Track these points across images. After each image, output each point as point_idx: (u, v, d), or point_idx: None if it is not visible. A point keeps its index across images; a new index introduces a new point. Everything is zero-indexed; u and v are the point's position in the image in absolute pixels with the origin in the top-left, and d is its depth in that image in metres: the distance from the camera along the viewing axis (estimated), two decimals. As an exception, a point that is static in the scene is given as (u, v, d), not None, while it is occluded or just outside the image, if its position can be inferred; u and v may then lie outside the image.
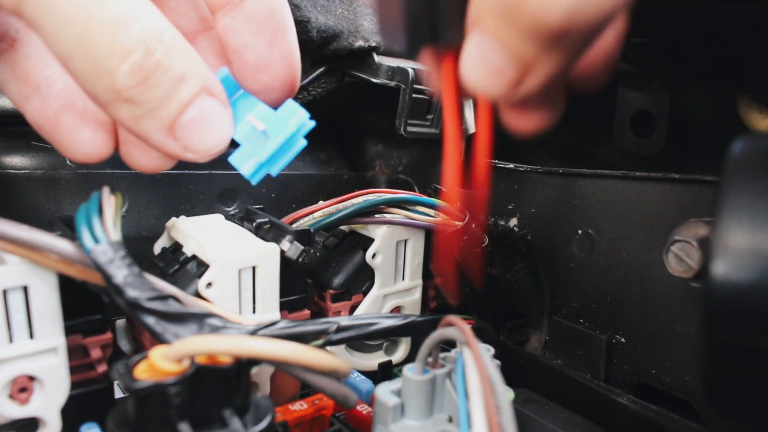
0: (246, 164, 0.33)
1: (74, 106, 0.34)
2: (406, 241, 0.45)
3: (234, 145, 0.34)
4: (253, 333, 0.31)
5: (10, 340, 0.32)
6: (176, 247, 0.40)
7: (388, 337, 0.45)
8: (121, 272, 0.30)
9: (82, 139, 0.34)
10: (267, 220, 0.41)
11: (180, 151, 0.32)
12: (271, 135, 0.33)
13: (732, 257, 0.24)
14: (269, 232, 0.40)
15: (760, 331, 0.24)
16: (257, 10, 0.35)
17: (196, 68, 0.31)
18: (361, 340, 0.45)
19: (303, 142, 0.34)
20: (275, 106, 0.34)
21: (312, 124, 0.34)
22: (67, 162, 0.47)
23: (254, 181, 0.34)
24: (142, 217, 0.49)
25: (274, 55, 0.36)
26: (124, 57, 0.28)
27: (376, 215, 0.44)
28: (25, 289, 0.31)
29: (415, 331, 0.38)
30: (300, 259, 0.39)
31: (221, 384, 0.28)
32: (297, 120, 0.33)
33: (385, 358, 0.47)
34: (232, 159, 0.34)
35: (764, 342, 0.24)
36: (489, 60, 0.28)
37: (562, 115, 0.38)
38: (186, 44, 0.31)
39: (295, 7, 0.50)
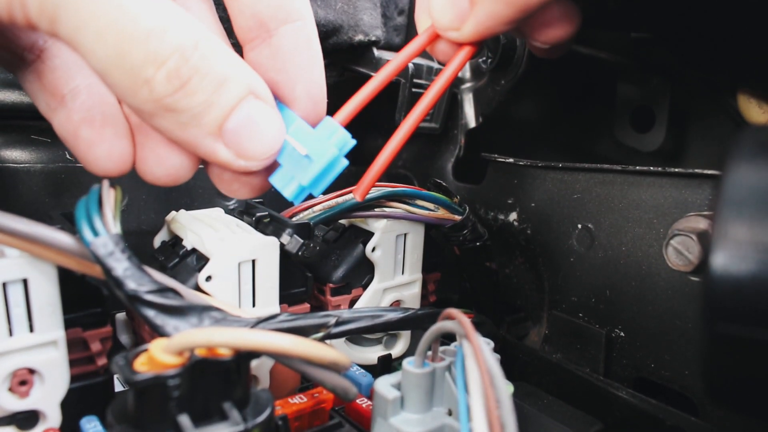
0: (288, 188, 0.33)
1: (92, 120, 0.34)
2: (405, 235, 0.45)
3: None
4: (253, 326, 0.31)
5: (10, 333, 0.32)
6: (176, 241, 0.40)
7: (388, 330, 0.45)
8: (120, 265, 0.30)
9: (99, 155, 0.34)
10: (267, 213, 0.41)
11: (232, 158, 0.31)
12: (314, 159, 0.32)
13: (732, 249, 0.24)
14: (269, 226, 0.40)
15: (759, 324, 0.24)
16: (284, 46, 0.35)
17: (239, 72, 0.31)
18: (360, 334, 0.45)
19: (344, 162, 0.33)
20: None
21: (353, 143, 0.34)
22: (67, 155, 0.47)
23: (297, 202, 0.34)
24: (142, 212, 0.49)
25: (299, 92, 0.35)
26: (159, 65, 0.28)
27: (376, 209, 0.44)
28: (25, 282, 0.31)
29: (415, 325, 0.38)
30: (300, 253, 0.39)
31: (221, 377, 0.28)
32: (338, 141, 0.33)
33: (385, 352, 0.47)
34: (273, 180, 0.33)
35: (764, 334, 0.24)
36: None
37: (563, 111, 0.40)
38: (228, 50, 0.31)
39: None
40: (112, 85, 0.29)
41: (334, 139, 0.33)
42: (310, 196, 0.34)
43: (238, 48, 0.35)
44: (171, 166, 0.34)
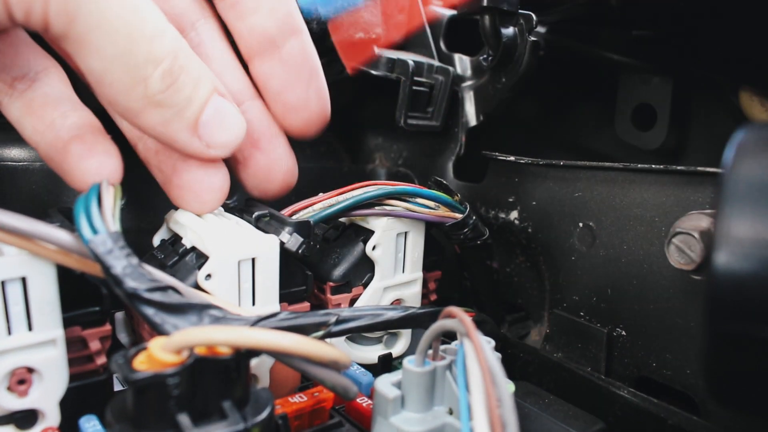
0: None
1: (83, 137, 0.37)
2: (406, 233, 0.45)
3: None
4: (253, 324, 0.31)
5: (9, 331, 0.32)
6: (175, 239, 0.40)
7: (389, 329, 0.45)
8: (120, 263, 0.29)
9: (88, 168, 0.36)
10: (267, 212, 0.41)
11: (203, 149, 0.35)
12: None
13: (734, 247, 0.24)
14: (269, 224, 0.40)
15: (762, 322, 0.24)
16: (294, 56, 0.40)
17: (207, 72, 0.34)
18: (361, 333, 0.45)
19: None
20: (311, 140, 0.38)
21: None
22: None
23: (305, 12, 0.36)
24: (141, 210, 0.49)
25: (311, 94, 0.40)
26: (157, 64, 0.31)
27: (376, 207, 0.44)
28: (24, 280, 0.31)
29: (416, 323, 0.38)
30: (299, 251, 0.39)
31: (220, 375, 0.28)
32: None
33: (385, 351, 0.47)
34: None
35: (766, 332, 0.24)
36: None
37: (564, 109, 0.40)
38: (194, 54, 0.34)
39: (295, -1, 0.50)
40: (110, 83, 0.32)
41: None
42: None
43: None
44: (207, 201, 0.39)
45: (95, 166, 0.36)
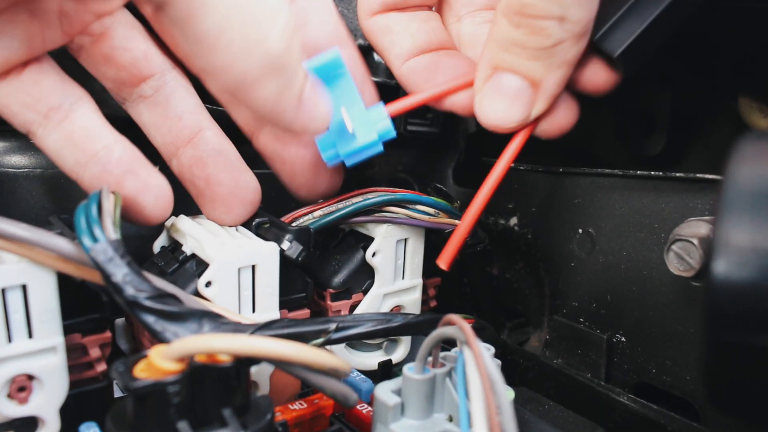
0: (327, 151, 0.39)
1: (136, 172, 0.36)
2: (406, 240, 0.45)
3: None
4: (253, 332, 0.31)
5: (9, 339, 0.32)
6: (175, 246, 0.40)
7: (388, 336, 0.45)
8: (120, 271, 0.30)
9: (146, 203, 0.36)
10: (266, 219, 0.41)
11: (306, 123, 0.33)
12: (357, 136, 0.38)
13: (733, 255, 0.24)
14: (269, 231, 0.40)
15: (761, 330, 0.24)
16: (348, 64, 0.39)
17: None
18: (360, 339, 0.45)
19: (380, 148, 0.39)
20: None
21: (393, 135, 0.39)
22: None
23: (329, 165, 0.40)
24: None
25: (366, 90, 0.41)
26: (275, 18, 0.29)
27: (376, 214, 0.44)
28: (24, 287, 0.31)
29: (415, 330, 0.38)
30: (299, 258, 0.39)
31: (220, 383, 0.28)
32: (382, 128, 0.39)
33: (385, 357, 0.47)
34: (318, 141, 0.39)
35: (765, 340, 0.24)
36: (505, 89, 0.36)
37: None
38: None
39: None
40: (227, 44, 0.29)
41: (379, 127, 0.39)
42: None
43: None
44: (238, 214, 0.40)
45: (151, 201, 0.37)
